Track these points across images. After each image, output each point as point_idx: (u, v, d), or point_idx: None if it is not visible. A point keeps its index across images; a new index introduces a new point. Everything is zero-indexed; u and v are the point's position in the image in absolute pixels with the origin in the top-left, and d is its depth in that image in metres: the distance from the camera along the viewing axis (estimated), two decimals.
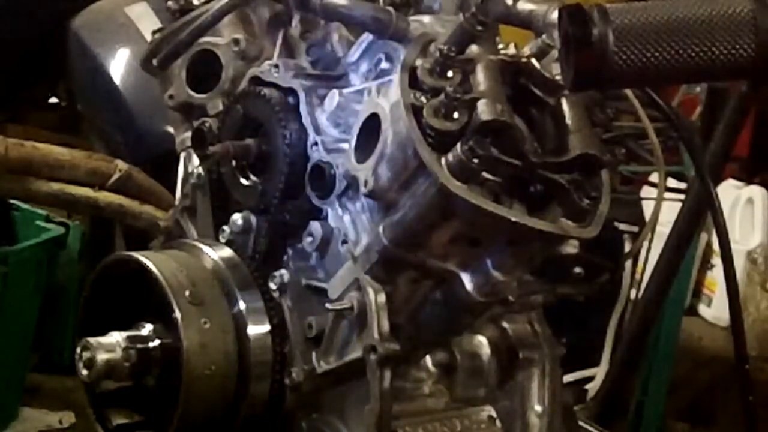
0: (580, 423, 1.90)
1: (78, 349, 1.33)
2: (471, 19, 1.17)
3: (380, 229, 1.22)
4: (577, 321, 2.27)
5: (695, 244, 2.84)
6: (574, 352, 1.51)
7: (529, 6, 1.25)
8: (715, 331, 3.22)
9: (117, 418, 1.39)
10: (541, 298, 1.42)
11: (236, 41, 1.48)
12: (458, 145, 1.13)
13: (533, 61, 1.20)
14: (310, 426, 1.35)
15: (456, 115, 1.14)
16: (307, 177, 1.35)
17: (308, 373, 1.33)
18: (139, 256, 1.38)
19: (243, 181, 1.43)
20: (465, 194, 1.12)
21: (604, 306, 3.13)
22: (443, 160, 1.14)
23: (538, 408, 1.40)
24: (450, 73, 1.18)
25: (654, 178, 2.22)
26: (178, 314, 1.31)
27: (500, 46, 1.24)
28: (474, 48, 1.20)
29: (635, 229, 2.82)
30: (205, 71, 1.51)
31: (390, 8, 1.31)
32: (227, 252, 1.42)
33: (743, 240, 3.26)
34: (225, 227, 1.45)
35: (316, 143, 1.35)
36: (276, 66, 1.41)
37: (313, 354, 1.34)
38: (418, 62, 1.21)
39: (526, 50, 1.20)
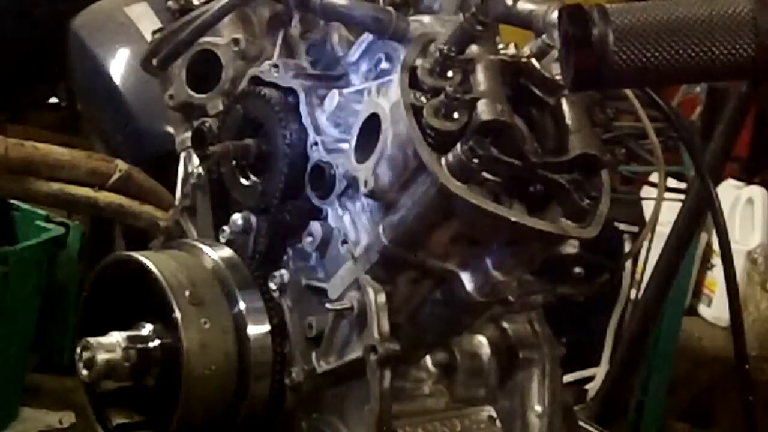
0: (580, 423, 1.90)
1: (78, 349, 1.32)
2: (471, 19, 1.17)
3: (380, 229, 1.22)
4: (577, 321, 2.27)
5: (695, 244, 2.84)
6: (574, 352, 1.51)
7: (529, 6, 1.25)
8: (715, 331, 3.22)
9: (117, 418, 1.39)
10: (541, 298, 1.42)
11: (236, 41, 1.48)
12: (458, 145, 1.13)
13: (533, 61, 1.19)
14: (310, 426, 1.35)
15: (456, 115, 1.14)
16: (307, 177, 1.35)
17: (308, 373, 1.33)
18: (139, 256, 1.38)
19: (243, 181, 1.43)
20: (465, 194, 1.12)
21: (604, 306, 3.13)
22: (443, 160, 1.14)
23: (538, 408, 1.40)
24: (450, 73, 1.18)
25: (654, 178, 2.22)
26: (178, 314, 1.31)
27: (500, 46, 1.24)
28: (474, 48, 1.20)
29: (635, 229, 2.82)
30: (205, 71, 1.51)
31: (390, 8, 1.31)
32: (227, 252, 1.42)
33: (743, 240, 3.26)
34: (225, 227, 1.45)
35: (316, 143, 1.35)
36: (276, 66, 1.41)
37: (313, 354, 1.33)
38: (418, 62, 1.21)
39: (526, 50, 1.20)
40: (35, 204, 2.74)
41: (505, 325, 1.42)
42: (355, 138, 1.27)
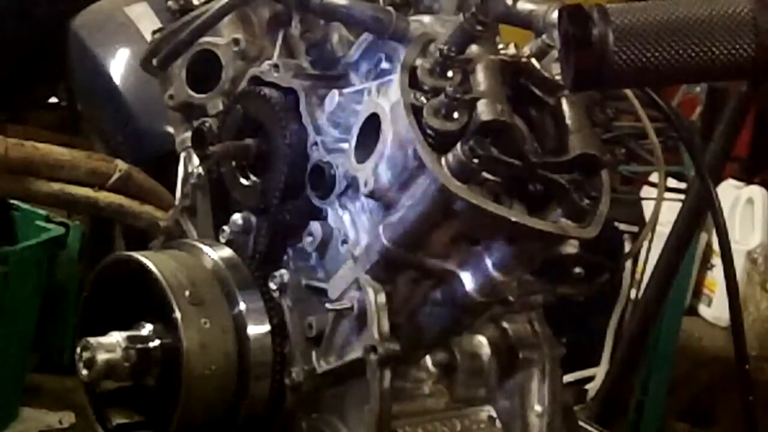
0: (580, 423, 1.90)
1: (78, 349, 1.32)
2: (471, 19, 1.17)
3: (380, 229, 1.22)
4: (577, 321, 2.27)
5: (695, 244, 2.84)
6: (574, 352, 1.51)
7: (529, 6, 1.25)
8: (715, 331, 3.22)
9: (117, 418, 1.39)
10: (541, 298, 1.42)
11: (236, 41, 1.48)
12: (458, 145, 1.13)
13: (533, 61, 1.20)
14: (310, 426, 1.35)
15: (456, 115, 1.14)
16: (307, 177, 1.35)
17: (308, 373, 1.33)
18: (139, 256, 1.38)
19: (243, 181, 1.43)
20: (465, 194, 1.12)
21: (604, 306, 3.13)
22: (443, 160, 1.14)
23: (538, 408, 1.40)
24: (450, 73, 1.18)
25: (654, 178, 2.22)
26: (178, 314, 1.31)
27: (500, 46, 1.24)
28: (474, 48, 1.20)
29: (635, 229, 2.82)
30: (205, 71, 1.51)
31: (390, 8, 1.31)
32: (227, 252, 1.42)
33: (743, 240, 3.26)
34: (225, 227, 1.45)
35: (316, 143, 1.35)
36: (276, 66, 1.41)
37: (313, 354, 1.33)
38: (418, 62, 1.21)
39: (526, 50, 1.20)
40: (35, 204, 2.74)
41: (505, 325, 1.42)
42: (355, 138, 1.27)
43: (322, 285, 1.33)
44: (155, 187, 2.62)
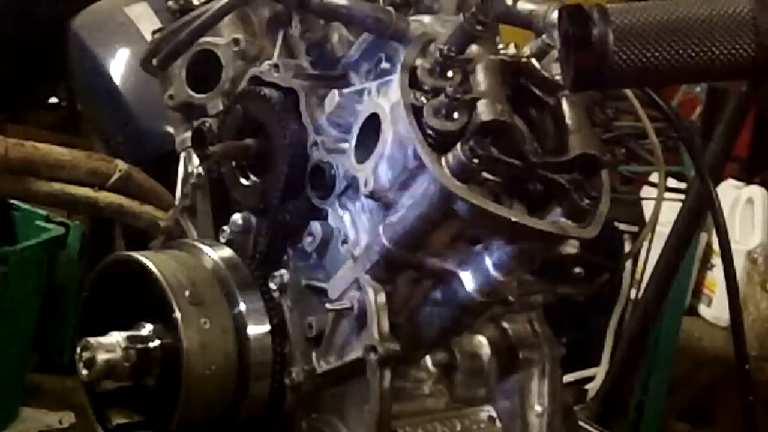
0: (580, 423, 1.90)
1: (78, 349, 1.32)
2: (471, 19, 1.17)
3: (380, 229, 1.22)
4: (577, 321, 2.27)
5: (695, 244, 2.84)
6: (574, 352, 1.51)
7: (529, 6, 1.25)
8: (715, 331, 3.22)
9: (117, 418, 1.39)
10: (541, 298, 1.42)
11: (236, 41, 1.48)
12: (458, 146, 1.13)
13: (533, 61, 1.19)
14: (310, 426, 1.35)
15: (456, 115, 1.14)
16: (307, 177, 1.35)
17: (308, 373, 1.33)
18: (139, 256, 1.38)
19: (243, 181, 1.43)
20: (465, 194, 1.12)
21: (604, 306, 3.13)
22: (443, 160, 1.14)
23: (538, 408, 1.40)
24: (450, 73, 1.18)
25: (654, 178, 2.22)
26: (178, 314, 1.31)
27: (500, 46, 1.24)
28: (474, 48, 1.20)
29: (635, 229, 2.82)
30: (205, 71, 1.51)
31: (390, 8, 1.31)
32: (227, 252, 1.42)
33: (743, 240, 3.26)
34: (225, 227, 1.45)
35: (316, 143, 1.35)
36: (276, 66, 1.41)
37: (313, 354, 1.33)
38: (418, 62, 1.21)
39: (526, 50, 1.20)
40: (35, 204, 2.74)
41: (505, 325, 1.41)
42: (355, 138, 1.27)
43: (322, 285, 1.33)
44: (155, 187, 2.62)
